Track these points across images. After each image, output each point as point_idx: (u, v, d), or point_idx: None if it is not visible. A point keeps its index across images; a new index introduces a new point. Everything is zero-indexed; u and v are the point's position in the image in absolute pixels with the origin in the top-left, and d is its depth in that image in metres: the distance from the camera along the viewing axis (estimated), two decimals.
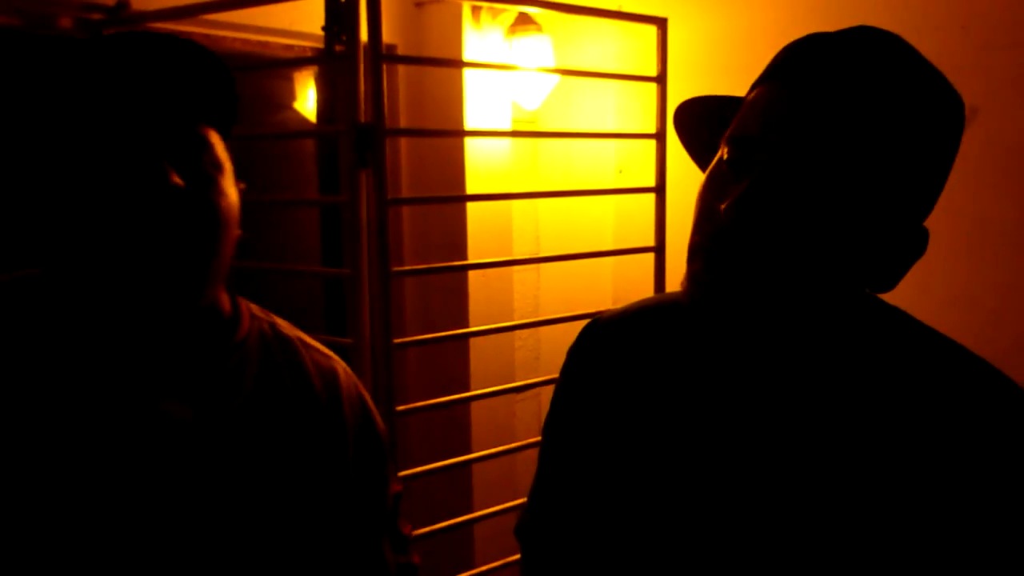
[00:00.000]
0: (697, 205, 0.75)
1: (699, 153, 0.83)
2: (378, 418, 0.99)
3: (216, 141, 0.81)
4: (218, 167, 0.80)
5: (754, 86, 0.74)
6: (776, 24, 2.17)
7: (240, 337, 0.87)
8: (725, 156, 0.72)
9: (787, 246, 0.67)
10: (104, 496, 0.74)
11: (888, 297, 0.83)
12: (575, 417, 0.90)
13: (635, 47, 2.55)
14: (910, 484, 0.70)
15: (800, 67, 0.68)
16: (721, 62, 2.31)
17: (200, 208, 0.76)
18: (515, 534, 0.97)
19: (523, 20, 2.45)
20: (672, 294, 0.91)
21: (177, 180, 0.73)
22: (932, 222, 0.73)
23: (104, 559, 0.73)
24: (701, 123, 0.81)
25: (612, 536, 0.83)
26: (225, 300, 0.88)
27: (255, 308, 0.93)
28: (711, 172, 0.74)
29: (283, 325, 0.95)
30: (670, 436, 0.80)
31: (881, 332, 0.77)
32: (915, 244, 0.72)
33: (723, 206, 0.68)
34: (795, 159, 0.66)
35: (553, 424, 0.94)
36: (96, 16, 1.84)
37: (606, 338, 0.90)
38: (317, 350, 0.95)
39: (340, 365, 0.96)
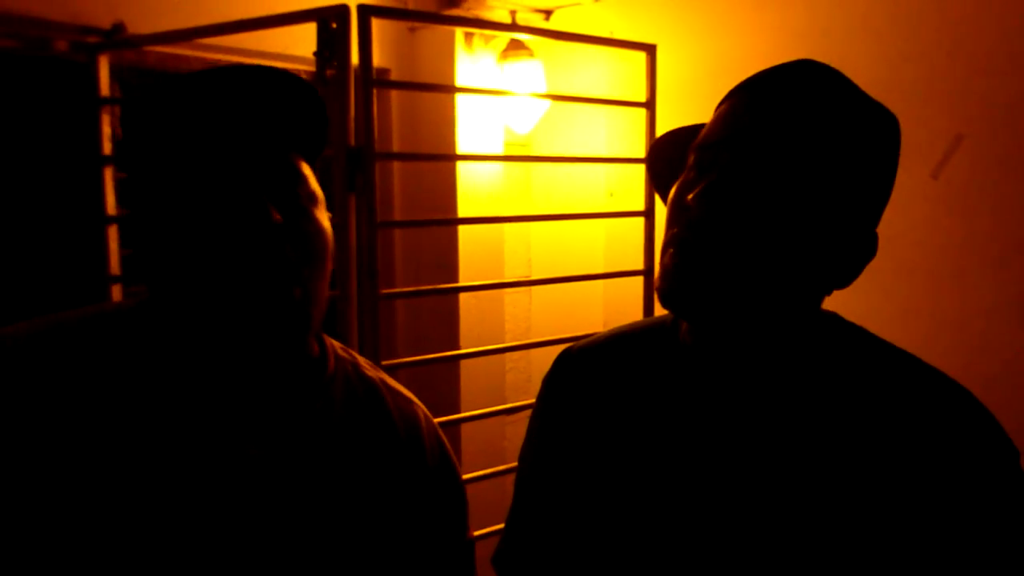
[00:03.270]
0: (668, 209, 0.79)
1: (668, 184, 0.85)
2: (456, 465, 0.97)
3: (308, 172, 0.80)
4: (313, 199, 0.79)
5: (717, 107, 0.80)
6: (763, 51, 2.20)
7: (327, 378, 0.86)
8: (691, 163, 0.78)
9: (751, 234, 0.71)
10: (188, 531, 0.73)
11: (876, 321, 0.86)
12: (552, 445, 0.90)
13: (626, 72, 2.57)
14: (881, 495, 0.72)
15: (758, 84, 0.76)
16: (709, 88, 2.31)
17: (299, 245, 0.75)
18: (492, 563, 0.96)
19: (515, 46, 2.47)
20: (645, 321, 0.94)
21: (277, 217, 0.73)
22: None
23: None
24: (673, 153, 0.85)
25: (593, 565, 0.83)
26: (313, 340, 0.86)
27: (338, 347, 0.92)
28: (680, 181, 0.79)
29: (365, 366, 0.94)
30: (649, 461, 0.80)
31: (847, 347, 0.80)
32: (865, 246, 0.77)
33: (690, 196, 0.73)
34: (754, 155, 0.72)
35: (529, 453, 0.94)
36: (92, 39, 1.85)
37: (581, 366, 0.91)
38: (399, 393, 0.94)
39: (421, 409, 0.95)
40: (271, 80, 0.79)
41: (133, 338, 0.78)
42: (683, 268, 0.73)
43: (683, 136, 0.85)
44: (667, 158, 0.87)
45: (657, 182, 0.92)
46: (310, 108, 0.82)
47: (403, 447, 0.90)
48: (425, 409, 0.96)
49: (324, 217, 0.80)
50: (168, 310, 0.79)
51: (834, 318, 0.82)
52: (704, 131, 0.78)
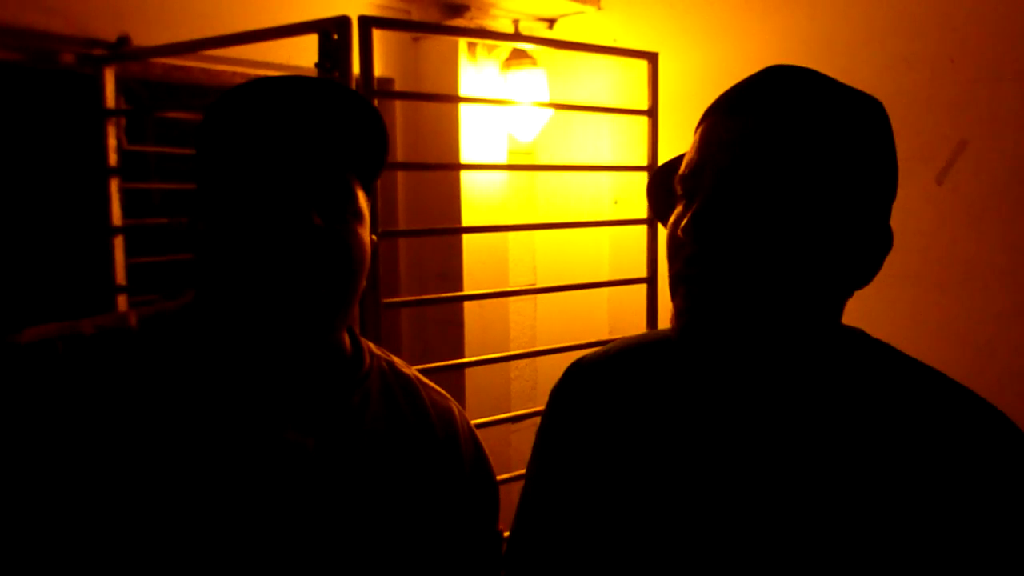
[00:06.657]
0: (667, 245, 0.78)
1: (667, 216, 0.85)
2: (489, 460, 1.01)
3: (360, 193, 0.86)
4: (358, 217, 0.84)
5: (694, 132, 0.79)
6: (765, 58, 2.19)
7: (362, 374, 0.90)
8: (679, 194, 0.76)
9: (751, 252, 0.70)
10: (223, 519, 0.76)
11: (883, 329, 0.84)
12: (561, 459, 0.89)
13: (629, 80, 2.58)
14: (900, 511, 0.70)
15: (728, 101, 0.75)
16: (711, 96, 2.31)
17: (335, 250, 0.81)
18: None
19: (518, 54, 2.48)
20: (654, 332, 0.93)
21: (318, 221, 0.79)
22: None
23: None
24: (666, 185, 0.85)
25: None
26: (347, 340, 0.92)
27: (373, 346, 0.96)
28: (674, 215, 0.78)
29: (400, 363, 0.98)
30: (664, 477, 0.79)
31: (865, 361, 0.78)
32: (879, 240, 0.75)
33: (679, 229, 0.72)
34: (737, 172, 0.70)
35: (537, 465, 0.93)
36: (98, 52, 1.87)
37: (591, 379, 0.90)
38: (434, 389, 0.98)
39: (455, 405, 0.99)
40: (349, 104, 0.86)
41: (178, 337, 0.83)
42: (698, 310, 0.72)
43: (677, 166, 0.83)
44: (665, 190, 0.86)
45: (659, 215, 0.90)
46: (375, 135, 0.89)
47: (440, 442, 0.93)
48: (458, 405, 1.00)
49: (365, 234, 0.86)
50: (211, 302, 0.84)
51: (859, 335, 0.80)
52: (684, 160, 0.77)
